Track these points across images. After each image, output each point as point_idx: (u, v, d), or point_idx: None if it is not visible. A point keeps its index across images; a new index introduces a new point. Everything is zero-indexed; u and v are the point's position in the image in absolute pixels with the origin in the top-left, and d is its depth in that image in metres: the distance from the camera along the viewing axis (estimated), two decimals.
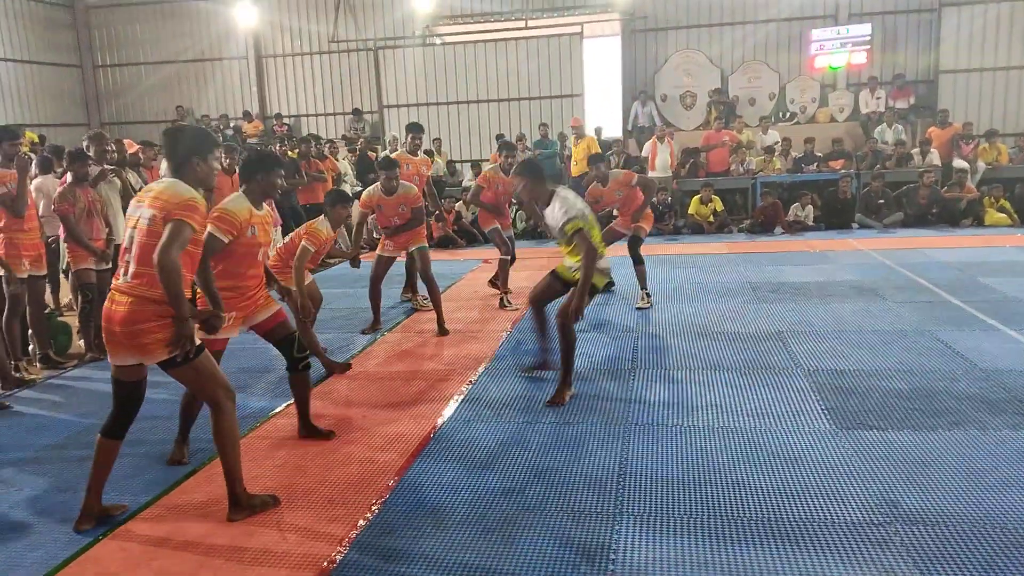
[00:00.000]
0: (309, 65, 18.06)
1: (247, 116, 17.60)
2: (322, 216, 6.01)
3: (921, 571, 3.00)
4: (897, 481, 3.77)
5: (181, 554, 3.39)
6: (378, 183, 7.10)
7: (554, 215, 5.03)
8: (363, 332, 7.14)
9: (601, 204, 7.65)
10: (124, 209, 7.59)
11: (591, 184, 7.70)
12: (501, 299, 7.97)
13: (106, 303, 3.47)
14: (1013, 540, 3.19)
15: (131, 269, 3.40)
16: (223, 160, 8.60)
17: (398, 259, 7.46)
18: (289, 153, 11.35)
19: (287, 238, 6.28)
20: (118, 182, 7.28)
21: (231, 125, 17.04)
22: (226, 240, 4.04)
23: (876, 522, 3.39)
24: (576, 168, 12.84)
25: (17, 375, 6.09)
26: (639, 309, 7.52)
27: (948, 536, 3.25)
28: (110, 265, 6.87)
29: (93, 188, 6.68)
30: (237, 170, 8.62)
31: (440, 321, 7.00)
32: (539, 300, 5.43)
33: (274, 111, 17.94)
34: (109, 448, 3.67)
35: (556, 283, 5.32)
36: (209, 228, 3.95)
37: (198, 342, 3.52)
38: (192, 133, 3.72)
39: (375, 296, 7.19)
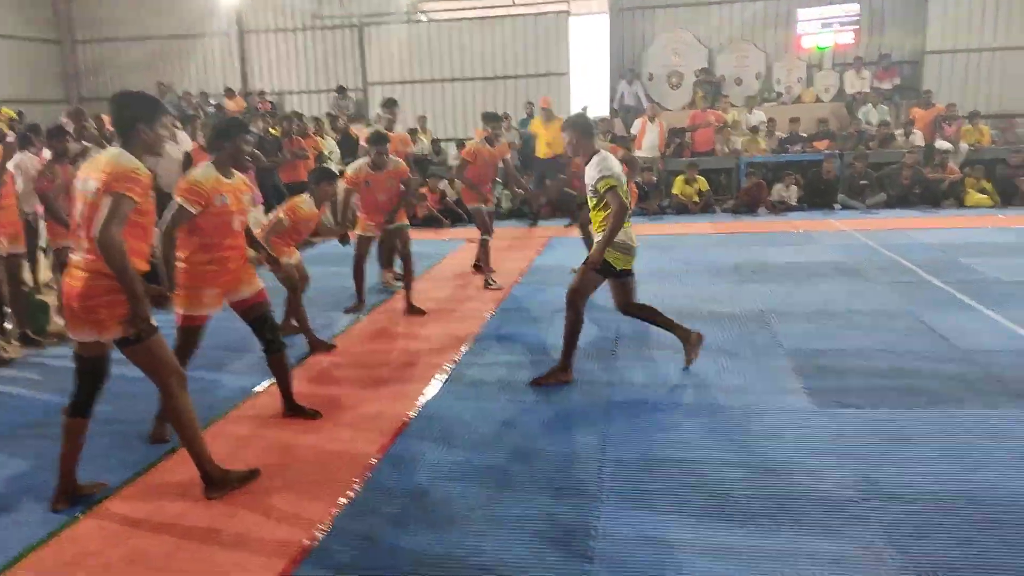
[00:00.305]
0: (292, 41, 17.82)
1: (229, 93, 17.35)
2: (306, 193, 5.96)
3: (897, 547, 3.04)
4: (875, 459, 3.80)
5: (159, 534, 3.37)
6: (365, 159, 6.93)
7: (590, 173, 4.96)
8: (346, 311, 7.09)
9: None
10: None
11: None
12: (486, 280, 7.95)
13: (64, 278, 3.43)
14: (987, 516, 3.23)
15: (83, 243, 3.34)
16: (200, 139, 8.52)
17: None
18: (271, 131, 11.23)
19: (270, 215, 6.23)
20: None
21: (212, 102, 16.81)
22: (195, 211, 4.00)
23: (854, 499, 3.43)
24: (546, 150, 12.70)
25: None
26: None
27: (924, 512, 3.29)
28: None
29: (72, 165, 6.58)
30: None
31: (409, 300, 6.97)
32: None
33: (257, 88, 17.71)
34: (76, 427, 3.62)
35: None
36: (178, 200, 3.94)
37: (154, 323, 3.46)
38: (138, 99, 3.59)
39: (359, 275, 7.10)
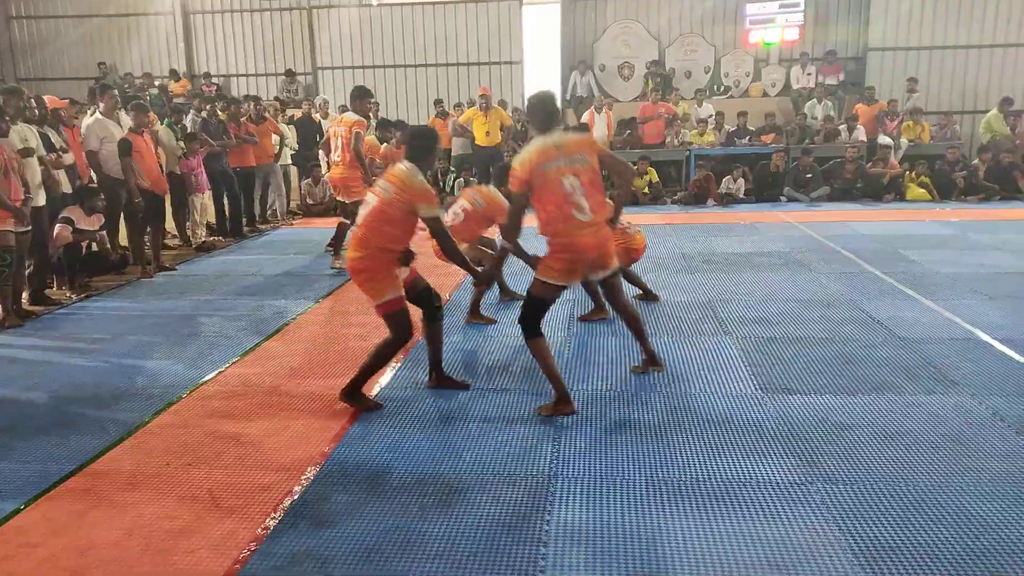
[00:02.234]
0: (240, 23, 17.44)
1: (174, 75, 16.93)
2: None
3: (840, 527, 3.15)
4: (818, 442, 3.92)
5: (108, 523, 3.31)
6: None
7: None
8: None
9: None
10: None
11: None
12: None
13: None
14: (923, 496, 3.37)
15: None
16: (132, 119, 8.26)
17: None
18: (219, 114, 10.97)
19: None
20: (35, 141, 6.96)
21: (156, 84, 16.37)
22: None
23: (798, 481, 3.53)
24: (485, 139, 12.74)
25: None
26: None
27: (865, 494, 3.41)
28: (29, 227, 6.59)
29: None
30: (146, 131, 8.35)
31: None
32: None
33: (202, 70, 17.31)
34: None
35: None
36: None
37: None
38: None
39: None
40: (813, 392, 4.59)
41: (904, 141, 13.71)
